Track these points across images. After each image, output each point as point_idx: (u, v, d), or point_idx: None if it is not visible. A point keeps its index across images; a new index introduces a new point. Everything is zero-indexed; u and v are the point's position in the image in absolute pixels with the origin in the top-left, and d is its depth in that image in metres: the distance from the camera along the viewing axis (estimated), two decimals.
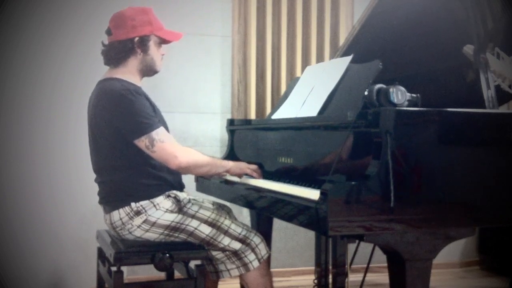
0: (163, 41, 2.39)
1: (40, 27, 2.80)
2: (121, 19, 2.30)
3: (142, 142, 2.17)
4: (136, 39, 2.29)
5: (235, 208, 3.56)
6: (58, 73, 2.94)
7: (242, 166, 2.42)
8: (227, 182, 2.65)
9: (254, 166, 2.43)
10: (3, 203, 2.59)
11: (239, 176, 2.44)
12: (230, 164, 2.40)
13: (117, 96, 2.19)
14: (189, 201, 2.34)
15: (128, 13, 2.30)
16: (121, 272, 2.18)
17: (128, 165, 2.25)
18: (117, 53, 2.30)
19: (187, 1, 3.61)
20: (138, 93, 2.23)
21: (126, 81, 2.29)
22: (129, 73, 2.32)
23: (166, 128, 2.33)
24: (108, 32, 2.33)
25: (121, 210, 2.24)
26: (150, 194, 2.25)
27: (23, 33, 2.70)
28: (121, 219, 2.25)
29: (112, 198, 2.29)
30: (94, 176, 2.44)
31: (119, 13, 2.32)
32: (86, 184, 3.09)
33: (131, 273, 3.43)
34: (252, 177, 2.41)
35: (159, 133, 2.18)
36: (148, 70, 2.37)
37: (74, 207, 3.08)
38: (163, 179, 2.29)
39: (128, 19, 2.29)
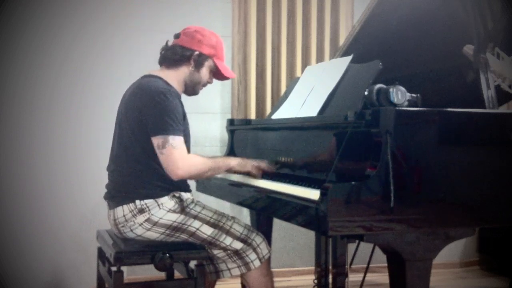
0: (216, 72, 2.47)
1: (40, 27, 2.81)
2: (193, 31, 2.41)
3: (156, 140, 2.22)
4: (196, 53, 2.38)
5: (235, 208, 3.57)
6: (58, 73, 2.94)
7: (247, 165, 2.42)
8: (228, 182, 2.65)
9: (258, 164, 2.42)
10: (3, 203, 2.59)
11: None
12: (232, 163, 2.41)
13: (155, 92, 2.25)
14: (192, 201, 2.35)
15: (200, 29, 2.42)
16: (121, 272, 2.18)
17: (143, 160, 2.28)
18: (173, 54, 2.38)
19: (187, 1, 3.61)
20: (176, 96, 2.30)
21: (169, 83, 2.35)
22: (175, 79, 2.39)
23: (187, 135, 2.39)
24: (177, 36, 2.43)
25: (125, 206, 2.26)
26: (155, 193, 2.27)
27: (23, 33, 2.71)
28: (124, 215, 2.26)
29: (118, 193, 2.31)
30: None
31: (195, 26, 2.44)
32: (86, 184, 3.09)
33: (131, 273, 3.43)
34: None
35: (175, 139, 2.22)
36: (191, 87, 2.44)
37: (74, 207, 3.08)
38: (170, 182, 2.30)
39: (198, 33, 2.40)
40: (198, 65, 2.41)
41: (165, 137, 2.20)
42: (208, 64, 2.42)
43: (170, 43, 2.43)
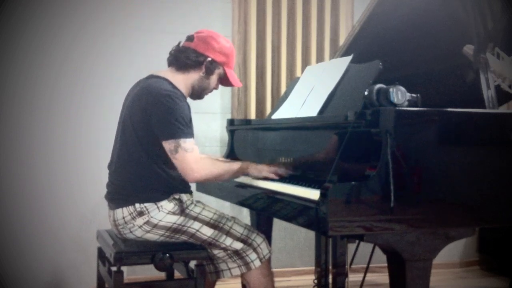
0: (224, 79, 2.46)
1: (40, 27, 2.81)
2: (208, 36, 2.39)
3: (168, 145, 2.21)
4: (209, 59, 2.37)
5: (235, 208, 3.57)
6: (58, 73, 2.94)
7: (263, 171, 2.37)
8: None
9: (272, 169, 2.37)
10: (3, 203, 2.60)
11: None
12: (250, 168, 2.38)
13: (161, 94, 2.23)
14: (192, 202, 2.34)
15: (215, 35, 2.40)
16: (121, 272, 2.18)
17: (146, 162, 2.27)
18: (187, 58, 2.36)
19: (187, 1, 3.62)
20: (183, 98, 2.29)
21: (175, 86, 2.33)
22: (182, 82, 2.37)
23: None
24: (191, 39, 2.40)
25: (124, 209, 2.25)
26: (155, 197, 2.26)
27: (23, 33, 2.71)
28: (123, 218, 2.26)
29: (118, 195, 2.30)
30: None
31: (209, 31, 2.42)
32: (86, 184, 3.10)
33: (131, 273, 3.43)
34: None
35: (186, 142, 2.21)
36: (198, 91, 2.43)
37: (74, 207, 3.08)
38: (171, 186, 2.30)
39: (213, 40, 2.38)
40: (209, 72, 2.39)
41: (176, 141, 2.19)
42: (218, 71, 2.41)
43: (181, 45, 2.40)
